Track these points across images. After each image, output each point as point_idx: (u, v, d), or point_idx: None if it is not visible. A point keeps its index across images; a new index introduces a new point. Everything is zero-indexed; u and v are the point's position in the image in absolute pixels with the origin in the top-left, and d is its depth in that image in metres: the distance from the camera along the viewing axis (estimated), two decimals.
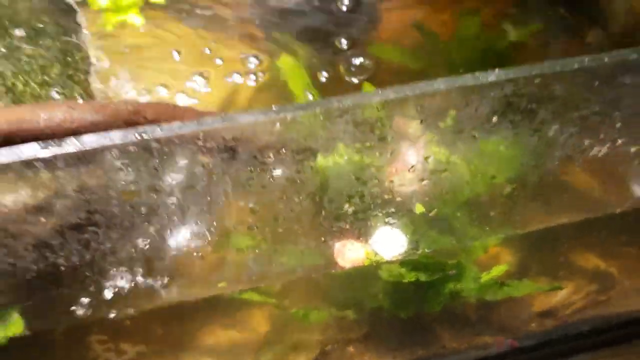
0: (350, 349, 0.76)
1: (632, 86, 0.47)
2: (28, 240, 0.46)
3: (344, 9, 0.95)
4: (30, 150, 0.39)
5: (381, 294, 0.68)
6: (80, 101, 0.56)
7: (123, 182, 0.42)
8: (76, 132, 0.49)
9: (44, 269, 0.48)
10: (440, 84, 0.43)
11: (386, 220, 0.54)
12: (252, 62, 0.84)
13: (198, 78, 0.78)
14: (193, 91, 0.78)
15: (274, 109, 0.40)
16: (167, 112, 0.55)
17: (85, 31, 0.65)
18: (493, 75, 0.43)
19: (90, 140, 0.39)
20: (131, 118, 0.52)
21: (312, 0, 0.94)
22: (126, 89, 0.71)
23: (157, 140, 0.39)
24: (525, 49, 0.93)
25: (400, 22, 0.96)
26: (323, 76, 0.86)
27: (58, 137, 0.48)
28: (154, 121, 0.53)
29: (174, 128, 0.40)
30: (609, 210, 0.65)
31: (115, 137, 0.39)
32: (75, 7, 0.67)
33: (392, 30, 0.95)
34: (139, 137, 0.39)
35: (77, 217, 0.45)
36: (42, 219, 0.45)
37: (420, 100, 0.43)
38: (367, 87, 0.78)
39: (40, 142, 0.40)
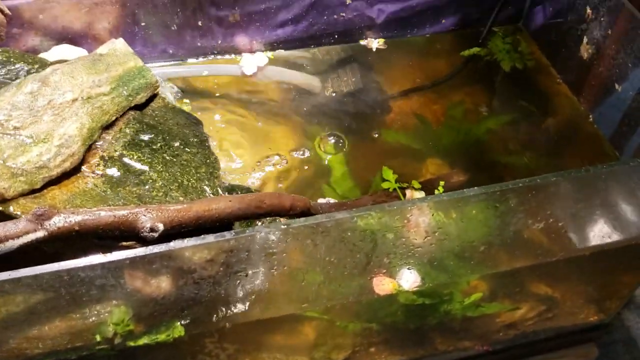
0: (372, 349, 1.09)
1: (552, 194, 0.82)
2: (201, 278, 0.79)
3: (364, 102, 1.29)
4: (210, 238, 0.72)
5: (397, 312, 1.01)
6: (220, 191, 0.89)
7: (266, 251, 0.75)
8: (230, 215, 0.82)
9: (201, 295, 0.80)
10: (440, 197, 0.76)
11: (406, 265, 0.88)
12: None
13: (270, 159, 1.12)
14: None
15: (353, 212, 0.74)
16: (274, 197, 0.88)
17: (210, 138, 0.98)
18: (472, 192, 0.77)
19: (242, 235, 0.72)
20: (257, 205, 0.85)
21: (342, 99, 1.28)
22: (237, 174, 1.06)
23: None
24: (498, 134, 1.26)
25: (402, 111, 1.29)
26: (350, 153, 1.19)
27: (221, 219, 0.81)
28: (270, 205, 0.87)
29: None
30: (551, 258, 0.99)
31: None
32: (201, 120, 1.01)
33: (397, 117, 1.28)
34: (284, 227, 0.72)
35: (230, 268, 0.78)
36: (210, 267, 0.78)
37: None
38: (386, 170, 1.10)
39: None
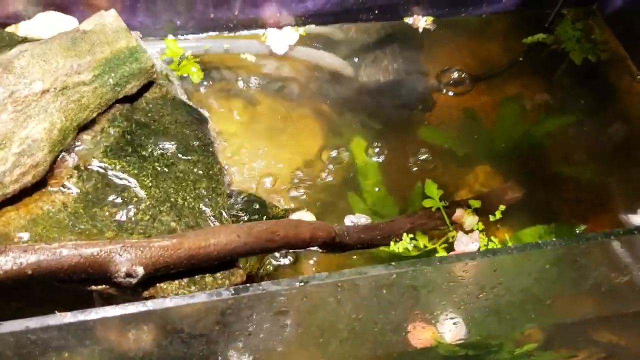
0: None
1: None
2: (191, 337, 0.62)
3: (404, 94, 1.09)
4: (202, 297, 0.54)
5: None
6: (224, 214, 0.71)
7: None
8: (233, 251, 0.65)
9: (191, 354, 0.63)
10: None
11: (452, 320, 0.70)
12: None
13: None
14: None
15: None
16: (290, 227, 0.71)
17: (216, 140, 0.80)
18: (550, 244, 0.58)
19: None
20: (269, 237, 0.67)
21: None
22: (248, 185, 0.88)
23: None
24: (559, 139, 1.06)
25: (449, 106, 1.09)
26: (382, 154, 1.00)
27: (221, 255, 0.64)
28: (285, 237, 0.69)
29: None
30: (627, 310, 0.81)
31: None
32: (207, 116, 0.82)
33: (443, 113, 1.08)
34: (300, 284, 0.55)
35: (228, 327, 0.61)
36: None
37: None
38: (429, 185, 0.91)
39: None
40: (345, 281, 0.56)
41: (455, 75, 1.11)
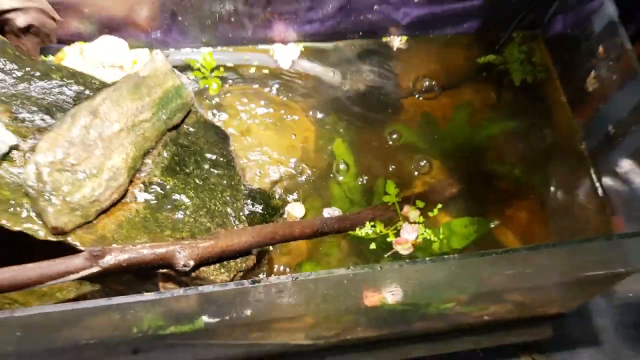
0: (359, 328, 1.28)
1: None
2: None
3: (380, 99, 1.38)
4: (231, 285, 0.87)
5: (383, 314, 1.19)
6: (242, 216, 1.03)
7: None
8: (249, 247, 0.97)
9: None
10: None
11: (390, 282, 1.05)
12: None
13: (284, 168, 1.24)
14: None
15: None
16: (285, 228, 1.03)
17: (235, 155, 1.10)
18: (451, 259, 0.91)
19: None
20: (272, 237, 1.00)
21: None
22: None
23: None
24: (497, 140, 1.36)
25: (413, 110, 1.38)
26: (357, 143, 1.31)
27: (241, 250, 0.96)
28: (282, 235, 1.01)
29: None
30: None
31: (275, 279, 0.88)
32: (229, 134, 1.12)
33: (408, 116, 1.38)
34: (293, 279, 0.88)
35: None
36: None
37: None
38: (389, 184, 1.23)
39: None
40: (320, 278, 0.89)
41: (427, 83, 1.40)
